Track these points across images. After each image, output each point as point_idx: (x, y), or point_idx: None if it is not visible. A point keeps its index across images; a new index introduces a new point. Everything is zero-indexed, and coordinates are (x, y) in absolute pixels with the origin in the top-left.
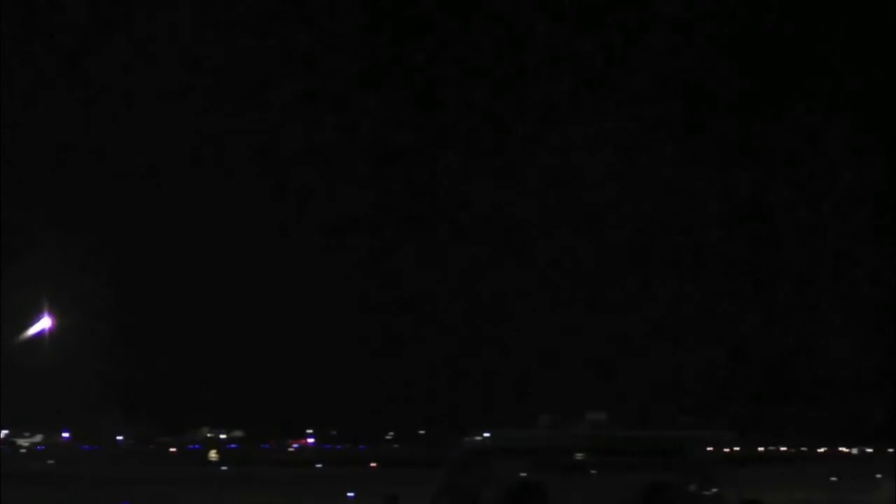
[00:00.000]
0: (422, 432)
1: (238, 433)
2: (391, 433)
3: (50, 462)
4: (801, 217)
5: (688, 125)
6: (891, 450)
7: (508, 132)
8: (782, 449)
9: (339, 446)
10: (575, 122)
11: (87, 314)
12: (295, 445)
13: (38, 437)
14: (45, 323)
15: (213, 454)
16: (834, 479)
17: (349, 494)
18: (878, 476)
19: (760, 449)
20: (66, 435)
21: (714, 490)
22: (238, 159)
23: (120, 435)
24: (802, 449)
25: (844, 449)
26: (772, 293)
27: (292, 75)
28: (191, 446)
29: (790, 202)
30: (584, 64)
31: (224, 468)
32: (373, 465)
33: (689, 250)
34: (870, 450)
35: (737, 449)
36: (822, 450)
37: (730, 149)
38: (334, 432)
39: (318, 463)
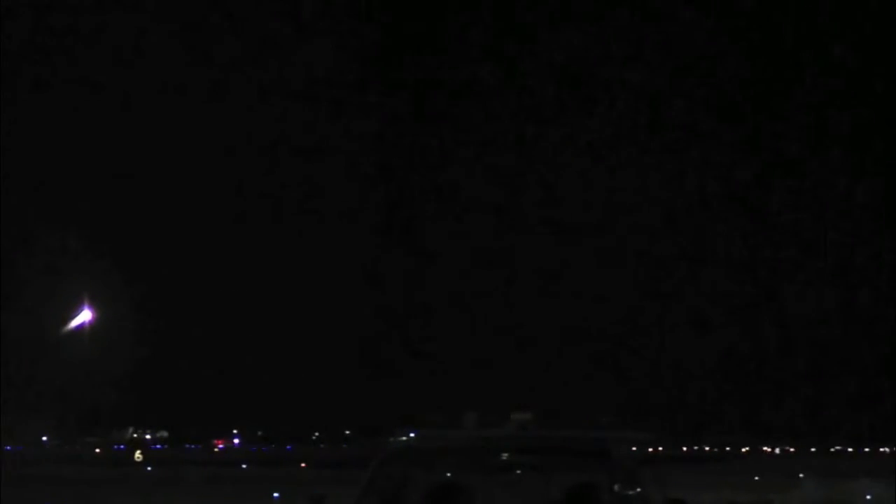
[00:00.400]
0: (347, 432)
1: (163, 433)
2: (317, 433)
3: None
4: (800, 216)
5: (689, 125)
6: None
7: (507, 132)
8: (706, 448)
9: (264, 447)
10: (573, 121)
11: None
12: (220, 446)
13: None
14: (85, 316)
15: (138, 455)
16: (757, 478)
17: (275, 495)
18: (801, 476)
19: (684, 448)
20: None
21: (638, 490)
22: (238, 160)
23: (45, 435)
24: (726, 448)
25: (767, 448)
26: (769, 296)
27: (293, 76)
28: (116, 447)
29: (788, 200)
30: (583, 63)
31: (149, 469)
32: (303, 465)
33: (687, 250)
34: (792, 448)
35: (660, 448)
36: (745, 449)
37: (730, 148)
38: (260, 432)
39: (244, 463)
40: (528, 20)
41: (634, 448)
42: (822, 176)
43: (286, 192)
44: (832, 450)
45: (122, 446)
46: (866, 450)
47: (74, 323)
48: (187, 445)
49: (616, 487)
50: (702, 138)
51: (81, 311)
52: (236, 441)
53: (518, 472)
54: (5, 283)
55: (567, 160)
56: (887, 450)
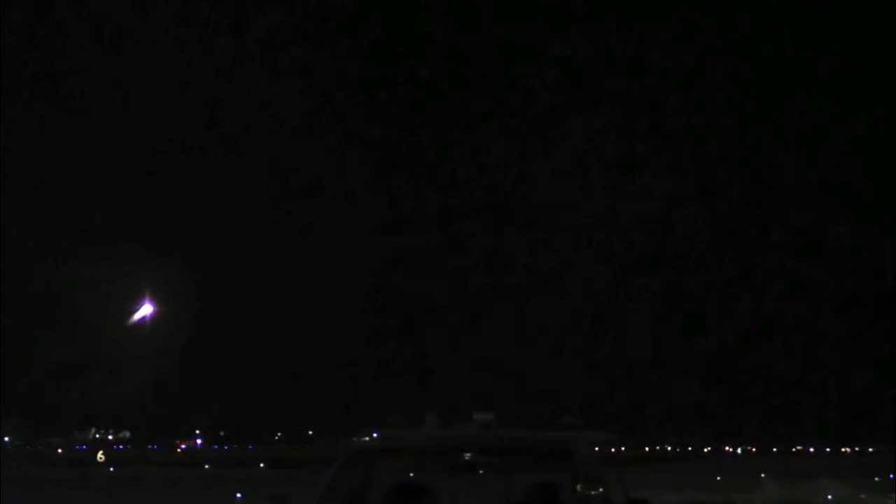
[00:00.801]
0: (311, 433)
1: (125, 434)
2: (279, 434)
3: None
4: (792, 219)
5: (688, 126)
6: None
7: (506, 132)
8: (668, 448)
9: (227, 447)
10: (576, 115)
11: None
12: (183, 446)
13: None
14: (146, 310)
15: (100, 455)
16: (719, 478)
17: (238, 495)
18: (763, 476)
19: (647, 448)
20: None
21: (600, 490)
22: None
23: (7, 436)
24: (689, 448)
25: (729, 448)
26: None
27: (299, 85)
28: (78, 447)
29: (783, 196)
30: (589, 61)
31: (111, 469)
32: (261, 465)
33: (660, 251)
34: (754, 449)
35: (623, 448)
36: (707, 449)
37: (724, 148)
38: (223, 433)
39: (207, 464)
40: (529, 21)
41: (597, 448)
42: (818, 176)
43: (266, 190)
44: (794, 450)
45: (84, 447)
46: (828, 450)
47: (137, 316)
48: (150, 446)
49: (578, 488)
50: (700, 139)
51: (143, 304)
52: (199, 441)
53: (480, 472)
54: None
55: (565, 161)
56: (848, 450)
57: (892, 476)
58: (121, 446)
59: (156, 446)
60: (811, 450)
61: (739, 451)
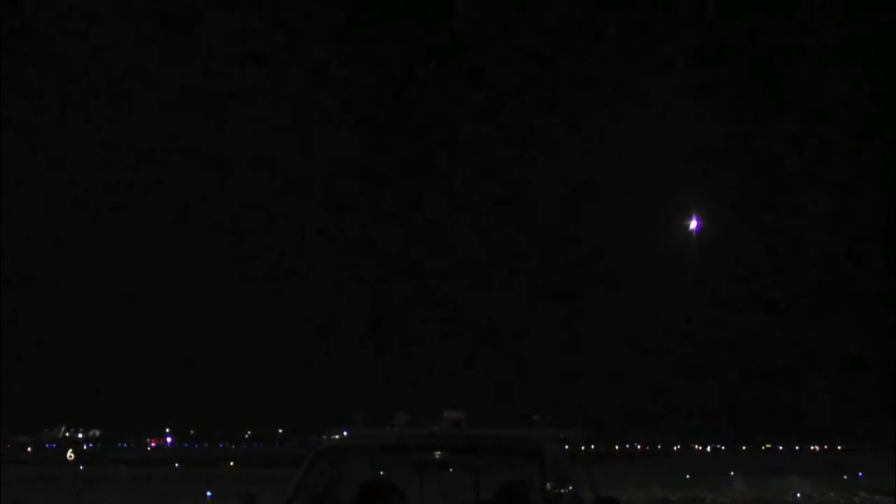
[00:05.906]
0: (280, 431)
1: (95, 432)
2: (249, 432)
3: None
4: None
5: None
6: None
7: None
8: (637, 446)
9: (196, 445)
10: (581, 110)
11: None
12: (153, 444)
13: None
14: (693, 224)
15: (70, 454)
16: (688, 476)
17: (207, 494)
18: (732, 473)
19: (616, 447)
20: None
21: (570, 488)
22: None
23: None
24: (658, 446)
25: (698, 446)
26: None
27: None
28: (48, 445)
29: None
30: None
31: (81, 467)
32: (231, 463)
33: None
34: (722, 447)
35: (592, 447)
36: (676, 447)
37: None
38: (192, 431)
39: (176, 462)
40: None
41: (566, 446)
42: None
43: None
44: (763, 448)
45: (53, 445)
46: (796, 448)
47: (689, 229)
48: (120, 444)
49: (548, 486)
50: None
51: (691, 219)
52: (169, 440)
53: (450, 470)
54: None
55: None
56: (817, 448)
57: (860, 474)
58: (91, 444)
59: (126, 444)
60: (780, 448)
61: (708, 448)
